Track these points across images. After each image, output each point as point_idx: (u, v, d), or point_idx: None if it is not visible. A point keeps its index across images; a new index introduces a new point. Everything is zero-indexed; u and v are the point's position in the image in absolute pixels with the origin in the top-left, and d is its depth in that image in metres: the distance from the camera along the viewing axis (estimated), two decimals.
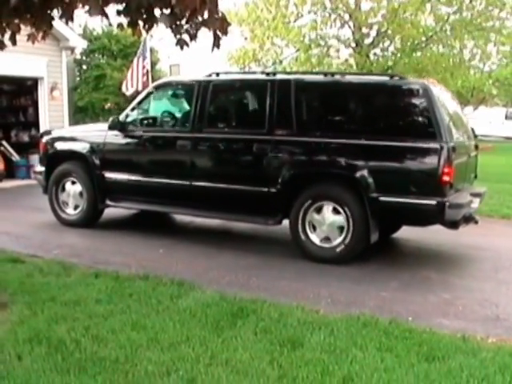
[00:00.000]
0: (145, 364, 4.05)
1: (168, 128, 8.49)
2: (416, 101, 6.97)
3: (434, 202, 6.63)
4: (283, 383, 3.85)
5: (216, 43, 4.74)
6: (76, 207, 8.84)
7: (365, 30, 19.13)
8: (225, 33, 4.73)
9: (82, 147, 8.76)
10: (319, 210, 7.16)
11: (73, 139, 9.09)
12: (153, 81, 17.64)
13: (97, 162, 8.56)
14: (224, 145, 7.95)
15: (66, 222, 8.86)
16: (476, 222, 7.35)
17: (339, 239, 7.06)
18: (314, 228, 7.23)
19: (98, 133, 8.84)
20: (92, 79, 19.48)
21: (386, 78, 7.69)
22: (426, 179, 6.79)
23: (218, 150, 8.01)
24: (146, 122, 8.64)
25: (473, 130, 8.31)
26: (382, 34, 18.92)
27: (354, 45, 19.30)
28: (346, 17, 19.05)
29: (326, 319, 4.98)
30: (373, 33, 19.25)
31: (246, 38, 19.50)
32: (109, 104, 19.42)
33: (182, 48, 4.83)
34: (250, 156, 7.66)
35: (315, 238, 7.19)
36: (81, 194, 8.74)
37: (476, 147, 8.09)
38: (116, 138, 8.55)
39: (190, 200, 8.04)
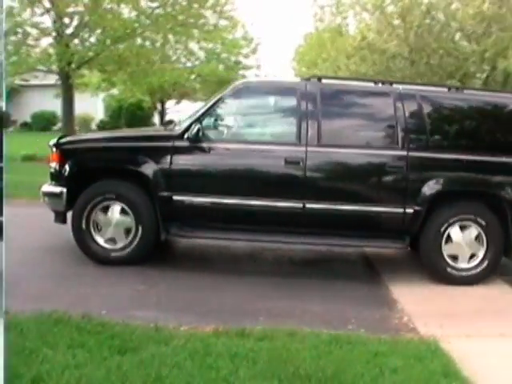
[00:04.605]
0: None
1: (265, 139, 7.37)
2: None
3: None
4: None
5: None
6: (125, 239, 6.92)
7: (66, 20, 18.66)
8: None
9: (136, 161, 6.93)
10: (457, 231, 6.98)
11: (116, 150, 7.23)
12: None
13: (161, 180, 6.84)
14: (349, 161, 7.12)
15: (107, 261, 6.88)
16: None
17: (477, 260, 7.00)
18: (451, 249, 7.03)
19: (158, 143, 7.20)
20: None
21: None
22: None
23: (341, 167, 7.14)
24: (234, 130, 7.31)
25: None
26: (83, 24, 18.63)
27: (54, 34, 18.71)
28: (47, 5, 18.40)
29: (16, 319, 4.77)
30: (75, 23, 18.85)
31: None
32: None
33: None
34: (384, 174, 7.04)
35: (453, 261, 7.02)
36: (131, 222, 6.88)
37: None
38: (191, 149, 6.93)
39: (302, 226, 7.00)
